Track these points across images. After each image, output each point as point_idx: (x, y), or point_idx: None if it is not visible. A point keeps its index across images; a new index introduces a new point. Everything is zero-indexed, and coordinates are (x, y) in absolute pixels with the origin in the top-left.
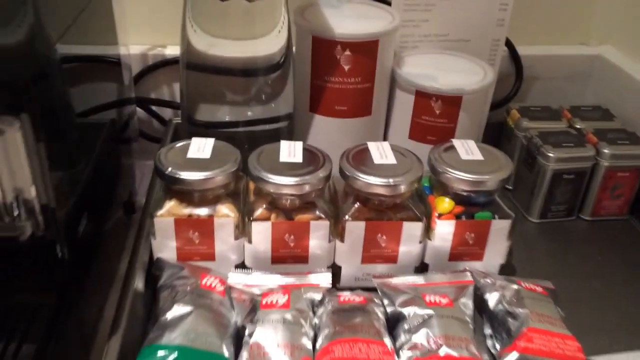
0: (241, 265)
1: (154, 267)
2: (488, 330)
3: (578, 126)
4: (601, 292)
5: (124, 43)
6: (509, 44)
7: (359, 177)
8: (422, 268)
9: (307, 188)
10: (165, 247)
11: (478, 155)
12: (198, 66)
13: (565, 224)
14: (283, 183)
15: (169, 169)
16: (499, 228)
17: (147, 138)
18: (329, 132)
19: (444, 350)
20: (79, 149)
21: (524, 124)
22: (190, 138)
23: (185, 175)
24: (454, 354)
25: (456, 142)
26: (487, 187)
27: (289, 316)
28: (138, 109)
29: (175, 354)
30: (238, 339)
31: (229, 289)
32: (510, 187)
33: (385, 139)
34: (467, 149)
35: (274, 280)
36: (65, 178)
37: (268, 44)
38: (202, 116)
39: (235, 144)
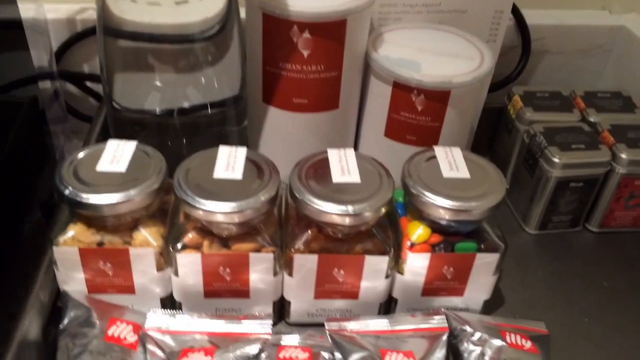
0: (169, 298)
1: (60, 300)
2: None
3: (592, 119)
4: (604, 333)
5: (33, 1)
6: (515, 10)
7: (311, 203)
8: (389, 303)
9: (247, 214)
10: (72, 280)
11: (464, 172)
12: (117, 33)
13: (568, 235)
14: (216, 210)
15: (68, 189)
16: (485, 262)
17: (81, 118)
18: (287, 128)
19: None
20: None
21: (527, 115)
22: (115, 127)
23: (91, 197)
24: None
25: (439, 152)
26: (472, 217)
27: None
28: (69, 84)
29: None
30: None
31: (143, 339)
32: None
33: (357, 135)
34: (452, 161)
35: (202, 325)
36: None
37: (201, 7)
38: (128, 100)
39: (170, 135)
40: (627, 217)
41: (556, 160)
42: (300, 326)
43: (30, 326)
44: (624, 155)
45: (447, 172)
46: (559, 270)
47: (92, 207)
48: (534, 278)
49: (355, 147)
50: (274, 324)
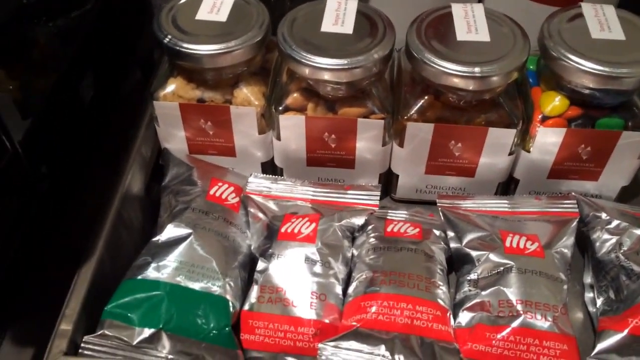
0: (270, 164)
1: (161, 158)
2: (589, 279)
3: None
4: None
5: None
6: None
7: (430, 63)
8: (508, 184)
9: (357, 74)
10: (173, 137)
11: (618, 33)
12: None
13: None
14: (323, 66)
15: (168, 37)
16: (631, 142)
17: None
18: None
19: (521, 321)
20: None
21: None
22: None
23: (190, 46)
24: (536, 326)
25: (587, 8)
26: (623, 86)
27: (313, 254)
28: None
29: (160, 295)
30: (253, 267)
31: (245, 201)
32: None
33: None
34: (603, 20)
35: (305, 192)
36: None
37: None
38: None
39: None
40: None
41: None
42: (407, 203)
43: (133, 181)
44: None
45: (596, 33)
46: None
47: (192, 57)
48: None
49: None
50: (380, 198)
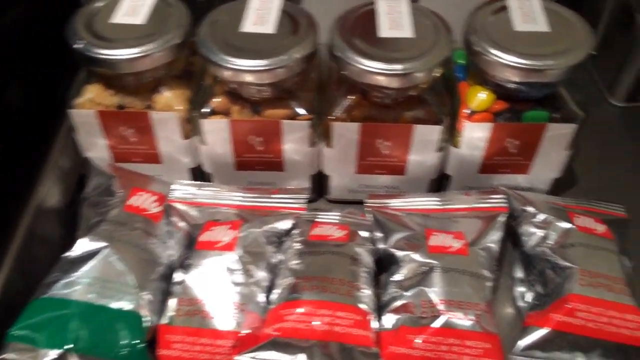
0: (199, 169)
1: (83, 168)
2: (519, 274)
3: None
4: None
5: None
6: None
7: (354, 62)
8: (440, 180)
9: (279, 74)
10: (94, 146)
11: (542, 24)
12: None
13: None
14: (244, 68)
15: (80, 42)
16: (558, 134)
17: None
18: None
19: (443, 321)
20: None
21: None
22: None
23: (103, 51)
24: (459, 326)
25: (511, 0)
26: (547, 78)
27: (233, 263)
28: None
29: (69, 314)
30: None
31: (167, 209)
32: (594, 53)
33: None
34: (527, 11)
35: (231, 198)
36: None
37: None
38: None
39: None
40: None
41: None
42: (342, 204)
43: (50, 193)
44: None
45: (520, 25)
46: None
47: (107, 63)
48: (615, 156)
49: None
50: (313, 201)
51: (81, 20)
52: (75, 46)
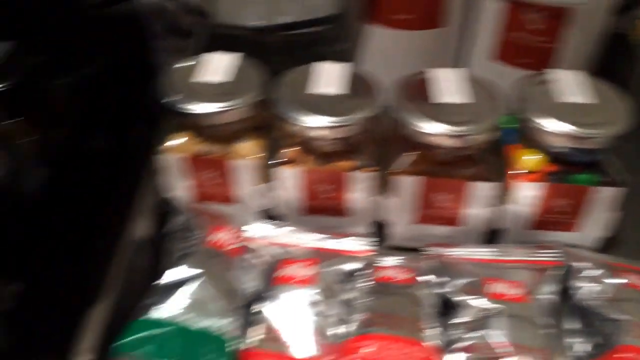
0: (269, 212)
1: (164, 207)
2: (569, 325)
3: None
4: None
5: None
6: None
7: (412, 123)
8: (493, 233)
9: (344, 131)
10: (175, 187)
11: (586, 96)
12: None
13: None
14: (313, 125)
15: (171, 98)
16: (605, 197)
17: (182, 35)
18: (387, 49)
19: None
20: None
21: None
22: (211, 42)
23: (193, 106)
24: None
25: (556, 74)
26: (593, 145)
27: (312, 296)
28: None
29: (165, 332)
30: (249, 310)
31: (244, 247)
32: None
33: (459, 59)
34: (571, 84)
35: (302, 238)
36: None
37: None
38: (225, 16)
39: (270, 53)
40: None
41: None
42: (400, 250)
43: (138, 230)
44: None
45: (565, 96)
46: None
47: (194, 117)
48: None
49: None
50: (374, 245)
51: (170, 78)
52: (170, 100)
